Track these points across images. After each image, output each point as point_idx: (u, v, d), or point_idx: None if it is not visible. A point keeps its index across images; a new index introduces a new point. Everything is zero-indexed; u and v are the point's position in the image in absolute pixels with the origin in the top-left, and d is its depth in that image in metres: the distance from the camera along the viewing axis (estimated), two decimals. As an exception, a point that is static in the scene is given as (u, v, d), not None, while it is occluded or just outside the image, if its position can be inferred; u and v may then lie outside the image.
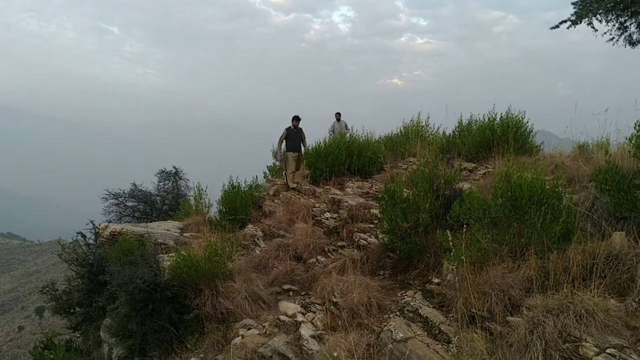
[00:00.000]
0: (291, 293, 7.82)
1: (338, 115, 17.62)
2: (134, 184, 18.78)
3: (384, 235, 8.18)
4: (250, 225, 11.00)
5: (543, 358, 4.23)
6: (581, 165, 8.20)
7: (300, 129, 13.36)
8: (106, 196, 17.82)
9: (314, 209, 11.06)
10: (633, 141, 5.81)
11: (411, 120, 15.11)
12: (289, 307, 7.06)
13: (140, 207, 18.20)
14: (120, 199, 18.08)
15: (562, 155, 11.00)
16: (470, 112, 13.87)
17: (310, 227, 9.74)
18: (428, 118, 14.89)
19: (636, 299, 4.34)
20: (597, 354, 4.09)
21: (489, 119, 12.26)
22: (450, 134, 14.13)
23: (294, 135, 13.25)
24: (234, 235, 9.86)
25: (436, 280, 6.46)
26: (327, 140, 14.58)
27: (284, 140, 13.34)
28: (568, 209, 5.67)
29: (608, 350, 4.09)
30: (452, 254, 5.55)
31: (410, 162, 12.84)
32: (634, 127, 5.81)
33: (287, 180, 13.26)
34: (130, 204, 18.25)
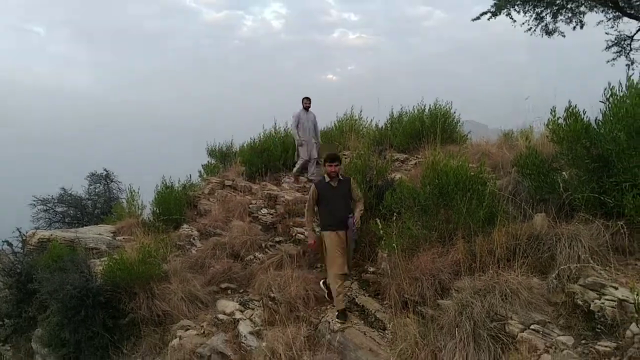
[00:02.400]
0: (229, 291, 7.76)
1: (307, 101, 12.05)
2: (63, 188, 18.04)
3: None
4: (185, 225, 10.80)
5: (472, 338, 4.40)
6: (505, 152, 8.55)
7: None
8: (34, 202, 17.04)
9: (250, 205, 10.98)
10: (550, 127, 6.10)
11: (345, 115, 15.26)
12: (227, 305, 7.01)
13: (71, 212, 17.50)
14: (49, 205, 17.33)
15: (488, 143, 11.44)
16: (401, 105, 14.14)
17: (247, 224, 9.68)
18: (361, 112, 15.09)
19: (556, 277, 4.58)
20: (522, 331, 4.30)
21: (418, 110, 12.54)
22: (382, 127, 14.36)
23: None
24: (169, 236, 9.67)
25: (371, 269, 6.59)
26: (261, 137, 14.43)
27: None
28: (492, 194, 5.91)
29: (532, 326, 4.31)
30: (384, 242, 5.67)
31: (344, 155, 12.98)
32: (550, 113, 6.11)
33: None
34: (59, 209, 17.52)
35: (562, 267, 4.53)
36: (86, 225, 13.95)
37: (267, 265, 7.74)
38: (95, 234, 11.08)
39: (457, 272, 5.20)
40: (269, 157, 13.44)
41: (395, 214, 5.95)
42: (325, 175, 6.57)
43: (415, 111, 12.71)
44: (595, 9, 12.19)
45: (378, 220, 5.94)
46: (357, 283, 6.60)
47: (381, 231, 5.69)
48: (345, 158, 12.29)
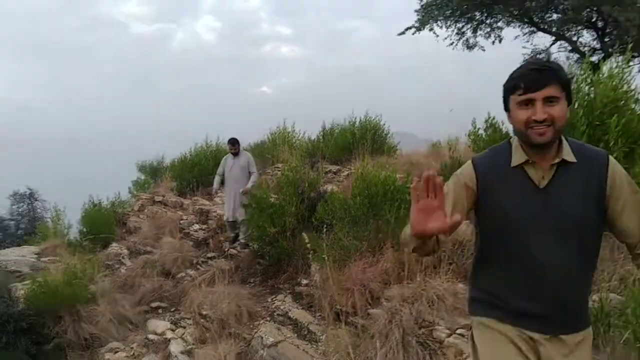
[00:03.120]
0: (160, 310, 7.56)
1: (232, 146, 9.18)
2: (-20, 209, 17.12)
3: (253, 242, 8.23)
4: (114, 244, 10.46)
5: (401, 345, 4.48)
6: (432, 162, 8.82)
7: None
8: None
9: (181, 221, 10.80)
10: (471, 137, 6.34)
11: (278, 127, 15.31)
12: (158, 325, 6.81)
13: (-9, 234, 16.64)
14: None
15: (417, 153, 11.77)
16: (333, 117, 14.34)
17: (178, 241, 9.49)
18: (294, 124, 15.18)
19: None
20: (449, 336, 4.42)
21: (349, 122, 12.75)
22: (315, 139, 14.49)
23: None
24: (96, 256, 9.32)
25: (305, 282, 6.60)
26: (192, 152, 14.24)
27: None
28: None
29: (458, 331, 4.43)
30: (315, 255, 5.70)
31: (277, 168, 12.98)
32: (471, 124, 6.35)
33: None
34: (-22, 231, 16.63)
35: (484, 272, 4.69)
36: (8, 247, 13.25)
37: (199, 282, 7.60)
38: (17, 255, 10.51)
39: (387, 281, 5.29)
40: (201, 171, 13.29)
41: (325, 225, 5.99)
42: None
43: (347, 123, 12.93)
44: (512, 24, 12.86)
45: (305, 235, 5.95)
46: (290, 296, 6.59)
47: (308, 245, 5.70)
48: (279, 170, 12.32)
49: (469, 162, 2.11)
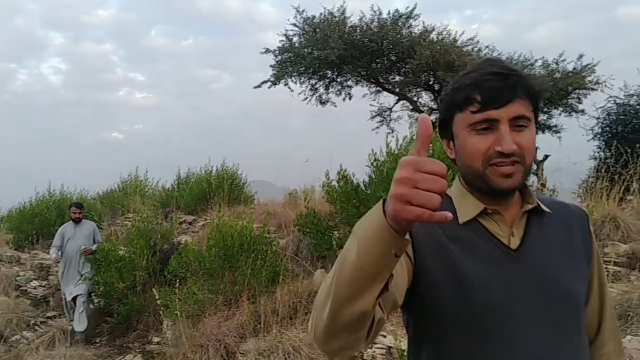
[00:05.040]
0: (-13, 381, 6.68)
1: (76, 211, 7.83)
2: None
3: (99, 299, 7.67)
4: None
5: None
6: (288, 211, 8.96)
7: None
8: None
9: (17, 278, 9.76)
10: (325, 188, 6.59)
11: (129, 175, 14.65)
12: (-17, 398, 6.01)
13: None
14: None
15: (274, 203, 11.90)
16: (188, 166, 14.09)
17: (13, 300, 8.54)
18: (147, 172, 14.64)
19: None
20: (305, 387, 4.42)
21: (205, 171, 12.60)
22: (169, 188, 14.07)
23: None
24: None
25: (156, 340, 6.26)
26: (32, 201, 13.08)
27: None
28: (276, 254, 6.11)
29: (314, 382, 4.45)
30: (167, 310, 5.46)
31: (128, 218, 12.35)
32: (325, 176, 6.61)
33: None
34: None
35: (338, 321, 4.81)
36: None
37: (36, 346, 6.87)
38: None
39: (243, 335, 5.19)
40: (42, 222, 12.21)
41: (179, 279, 5.79)
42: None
43: (203, 172, 12.76)
44: (360, 84, 13.77)
45: (155, 290, 5.68)
46: (141, 355, 6.20)
47: (159, 301, 5.45)
48: (129, 221, 11.71)
49: None
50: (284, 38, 13.09)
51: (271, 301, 5.35)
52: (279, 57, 13.09)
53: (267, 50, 13.18)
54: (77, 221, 7.78)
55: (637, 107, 11.45)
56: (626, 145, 8.02)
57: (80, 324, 7.24)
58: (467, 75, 1.23)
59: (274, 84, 12.89)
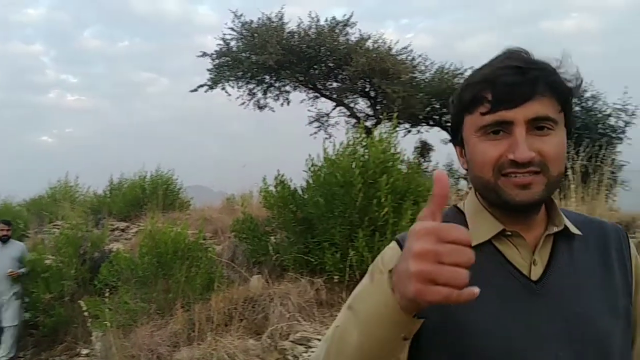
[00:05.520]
0: None
1: (7, 226, 7.25)
2: None
3: (24, 312, 7.30)
4: None
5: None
6: (224, 217, 8.85)
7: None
8: None
9: None
10: (262, 193, 6.55)
11: (59, 181, 14.08)
12: None
13: None
14: None
15: (211, 208, 11.74)
16: (122, 171, 13.70)
17: None
18: (77, 178, 14.11)
19: (269, 336, 4.81)
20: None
21: (139, 177, 12.30)
22: (101, 194, 13.63)
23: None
24: None
25: (85, 352, 6.04)
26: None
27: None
28: (211, 260, 6.02)
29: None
30: (97, 321, 5.27)
31: (56, 226, 11.85)
32: (262, 181, 6.57)
33: None
34: None
35: (274, 326, 4.78)
36: None
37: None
38: None
39: (176, 344, 5.07)
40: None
41: (110, 288, 5.60)
42: None
43: (137, 177, 12.45)
44: (298, 89, 13.83)
45: (82, 301, 5.48)
46: (68, 369, 5.95)
47: (86, 312, 5.26)
48: (57, 229, 11.24)
49: (393, 243, 1.09)
50: (221, 42, 12.99)
51: (206, 308, 5.26)
52: (216, 61, 12.96)
53: (204, 54, 13.03)
54: (3, 240, 7.04)
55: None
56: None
57: (6, 353, 6.67)
58: (480, 70, 1.03)
59: (211, 88, 12.75)
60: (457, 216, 1.11)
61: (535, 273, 1.01)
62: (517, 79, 0.96)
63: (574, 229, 1.07)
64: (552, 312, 0.98)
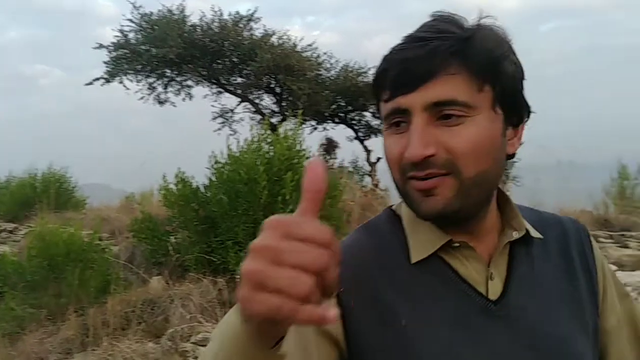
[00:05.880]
0: None
1: None
2: None
3: None
4: None
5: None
6: (123, 216, 8.51)
7: None
8: None
9: None
10: (162, 191, 6.34)
11: None
12: None
13: None
14: None
15: (109, 207, 11.24)
16: (10, 169, 12.86)
17: None
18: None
19: (170, 338, 4.68)
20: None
21: (29, 175, 11.61)
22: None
23: None
24: None
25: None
26: None
27: None
28: (107, 262, 5.76)
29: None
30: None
31: None
32: (162, 179, 6.36)
33: None
34: None
35: (175, 328, 4.66)
36: None
37: None
38: None
39: (69, 351, 4.82)
40: None
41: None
42: None
43: (27, 176, 11.75)
44: (201, 84, 13.55)
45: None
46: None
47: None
48: None
49: None
50: (119, 34, 12.44)
51: (102, 312, 5.03)
52: (114, 54, 12.40)
53: (101, 46, 12.41)
54: None
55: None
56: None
57: None
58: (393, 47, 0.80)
59: (108, 81, 12.20)
60: (391, 222, 0.90)
61: (494, 290, 0.82)
62: (416, 54, 0.75)
63: (534, 233, 0.88)
64: (516, 336, 0.80)
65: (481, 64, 0.75)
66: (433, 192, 0.76)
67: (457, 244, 0.83)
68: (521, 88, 0.82)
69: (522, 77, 0.82)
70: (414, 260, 0.82)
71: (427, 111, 0.75)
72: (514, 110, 0.82)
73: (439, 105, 0.75)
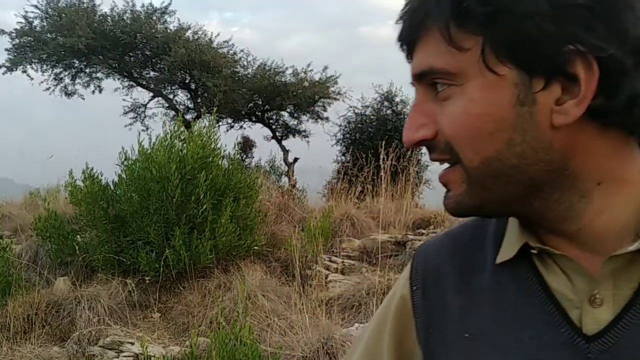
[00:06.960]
0: None
1: None
2: None
3: None
4: None
5: None
6: (26, 213, 8.08)
7: None
8: None
9: None
10: (69, 189, 6.09)
11: None
12: None
13: None
14: None
15: (11, 203, 10.60)
16: None
17: None
18: None
19: (77, 342, 4.53)
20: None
21: None
22: None
23: None
24: None
25: None
26: None
27: None
28: (8, 261, 5.46)
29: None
30: None
31: None
32: (69, 175, 6.10)
33: None
34: None
35: (82, 331, 4.52)
36: None
37: None
38: None
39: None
40: None
41: None
42: None
43: None
44: (112, 76, 13.08)
45: None
46: None
47: None
48: None
49: (410, 262, 0.75)
50: (23, 20, 11.75)
51: (1, 315, 4.78)
52: (17, 41, 11.71)
53: (2, 32, 11.67)
54: None
55: (372, 117, 13.14)
56: (362, 151, 9.13)
57: None
58: None
59: (10, 70, 11.50)
60: (496, 224, 0.68)
61: (594, 320, 0.55)
62: (404, 20, 0.59)
63: None
64: None
65: (472, 14, 0.51)
66: (447, 186, 0.60)
67: (534, 250, 0.59)
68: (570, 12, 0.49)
69: None
70: (498, 260, 0.63)
71: (422, 84, 0.58)
72: (546, 60, 0.50)
73: (422, 77, 0.58)
